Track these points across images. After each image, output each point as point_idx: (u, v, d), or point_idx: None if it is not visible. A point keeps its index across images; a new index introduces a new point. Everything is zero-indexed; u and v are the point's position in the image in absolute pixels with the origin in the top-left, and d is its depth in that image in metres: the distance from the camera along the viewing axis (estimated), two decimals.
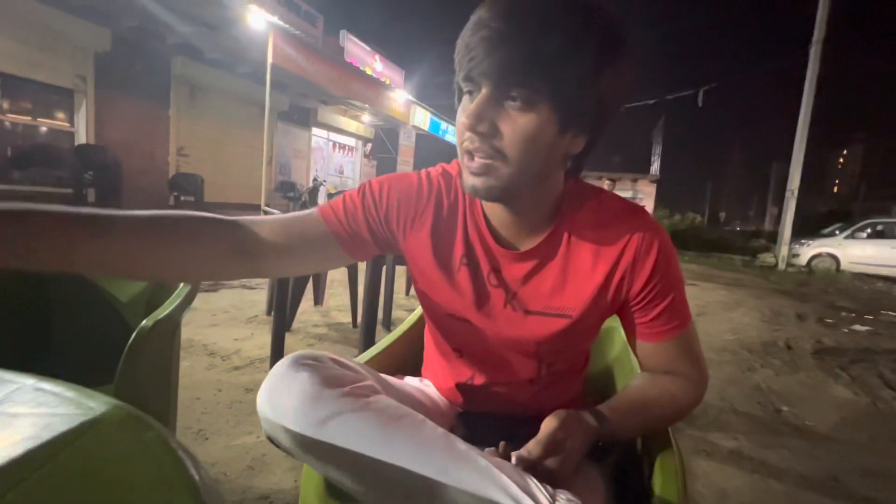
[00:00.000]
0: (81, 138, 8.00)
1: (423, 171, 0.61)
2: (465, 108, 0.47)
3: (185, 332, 2.26)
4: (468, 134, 0.46)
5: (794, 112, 9.58)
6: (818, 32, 9.17)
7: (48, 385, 0.36)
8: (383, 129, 14.93)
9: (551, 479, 0.44)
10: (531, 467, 0.44)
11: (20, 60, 7.03)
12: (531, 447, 0.45)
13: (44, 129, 7.91)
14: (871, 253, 9.10)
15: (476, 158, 0.47)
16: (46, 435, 0.29)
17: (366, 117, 13.98)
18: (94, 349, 1.02)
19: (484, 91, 0.45)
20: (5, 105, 7.29)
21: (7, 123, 7.36)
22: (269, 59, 6.16)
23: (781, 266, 9.53)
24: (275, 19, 6.72)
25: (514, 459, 0.45)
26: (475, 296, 0.57)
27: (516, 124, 0.45)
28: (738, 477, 1.41)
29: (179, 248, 0.48)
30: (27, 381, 0.37)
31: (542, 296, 0.55)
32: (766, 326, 3.73)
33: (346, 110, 13.42)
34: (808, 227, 11.67)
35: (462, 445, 0.44)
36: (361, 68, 11.40)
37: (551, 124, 0.45)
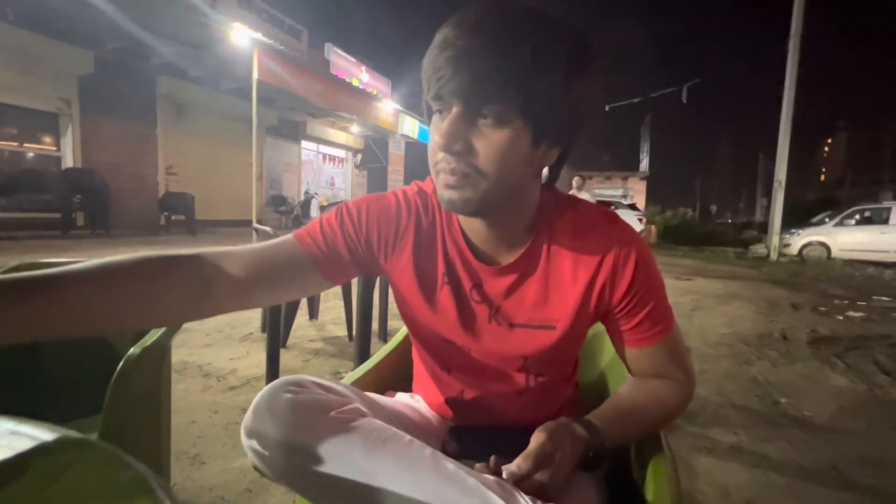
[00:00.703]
0: (68, 162, 7.96)
1: (399, 191, 0.60)
2: (437, 127, 0.47)
3: (179, 354, 2.24)
4: (442, 154, 0.47)
5: (778, 104, 9.73)
6: (795, 26, 9.34)
7: (25, 428, 0.36)
8: (372, 138, 14.97)
9: (542, 493, 0.44)
10: (521, 482, 0.44)
11: (2, 87, 6.99)
12: (520, 462, 0.45)
13: (30, 154, 7.87)
14: (861, 239, 9.22)
15: (452, 174, 0.47)
16: (20, 481, 0.29)
17: (354, 128, 14.01)
18: (81, 378, 1.01)
19: (455, 110, 0.45)
20: None
21: None
22: (255, 76, 6.17)
23: (773, 256, 9.62)
24: (259, 35, 6.74)
25: (505, 474, 0.45)
26: (459, 313, 0.57)
27: (490, 140, 0.45)
28: (739, 472, 1.41)
29: (139, 296, 0.44)
30: (5, 425, 0.36)
31: (525, 308, 0.56)
32: (762, 318, 3.76)
33: (334, 122, 13.45)
34: (797, 217, 11.80)
35: (450, 465, 0.43)
36: (348, 80, 11.45)
37: (525, 138, 0.46)
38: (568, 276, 0.54)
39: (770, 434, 1.68)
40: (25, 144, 7.80)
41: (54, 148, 8.03)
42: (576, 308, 0.54)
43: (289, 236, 0.56)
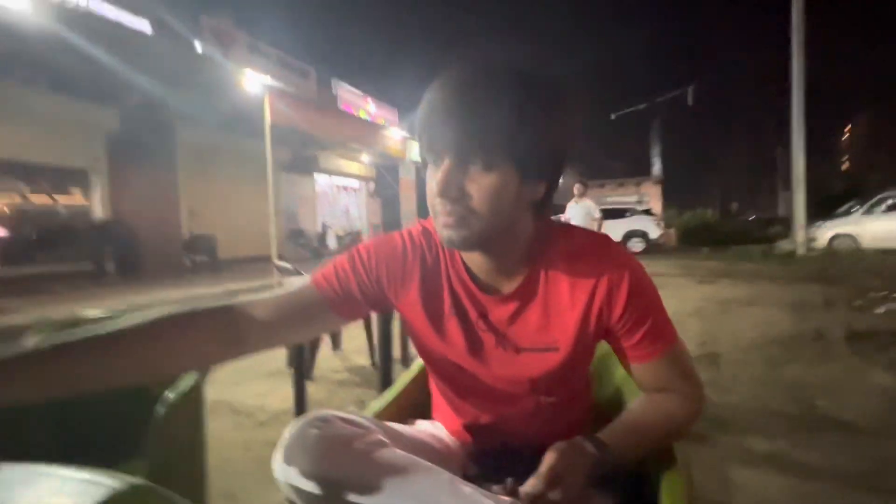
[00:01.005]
0: (98, 213, 8.36)
1: (404, 232, 0.65)
2: (433, 175, 0.52)
3: (209, 393, 2.28)
4: (439, 199, 0.51)
5: (790, 94, 9.57)
6: (796, 19, 9.29)
7: (98, 477, 0.39)
8: (383, 166, 15.28)
9: None
10: (535, 502, 0.46)
11: (37, 148, 7.46)
12: (533, 482, 0.47)
13: (63, 209, 8.31)
14: (893, 227, 8.86)
15: (449, 216, 0.52)
16: None
17: (365, 158, 14.35)
18: (122, 422, 1.06)
19: (447, 161, 0.50)
20: (26, 191, 7.72)
21: (29, 208, 7.76)
22: (268, 118, 6.44)
23: (801, 252, 9.32)
24: (268, 79, 7.05)
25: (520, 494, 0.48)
26: (467, 342, 0.60)
27: (481, 184, 0.50)
28: (777, 482, 1.37)
29: (175, 348, 0.51)
30: (79, 475, 0.40)
31: (529, 333, 0.59)
32: (793, 317, 3.64)
33: (345, 154, 13.80)
34: (823, 208, 11.43)
35: (467, 489, 0.46)
36: (355, 113, 11.79)
37: (513, 178, 0.50)
38: (566, 301, 0.57)
39: (809, 439, 1.63)
40: (58, 199, 8.26)
41: (85, 201, 8.47)
42: (576, 330, 0.57)
43: (307, 281, 0.62)
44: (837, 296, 4.46)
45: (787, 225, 13.56)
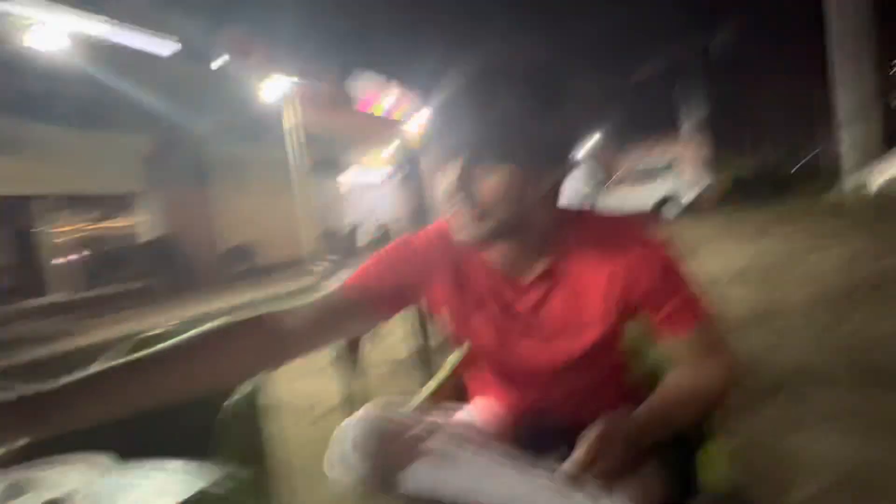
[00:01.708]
0: (145, 235, 8.87)
1: (424, 232, 0.68)
2: (445, 178, 0.55)
3: (264, 395, 2.43)
4: (452, 200, 0.54)
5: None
6: None
7: (192, 467, 0.45)
8: (407, 158, 15.34)
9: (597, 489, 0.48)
10: (576, 481, 0.48)
11: (83, 180, 7.97)
12: (573, 461, 0.49)
13: (110, 234, 8.87)
14: None
15: (464, 216, 0.54)
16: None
17: (389, 150, 14.46)
18: (185, 433, 1.13)
19: (456, 163, 0.53)
20: (75, 220, 8.27)
21: (78, 236, 8.32)
22: (290, 124, 6.58)
23: (854, 198, 8.73)
24: (286, 88, 7.18)
25: (562, 473, 0.50)
26: (498, 332, 0.63)
27: (489, 184, 0.53)
28: (837, 444, 1.32)
29: (218, 361, 0.53)
30: (174, 465, 0.46)
31: (557, 318, 0.61)
32: (848, 268, 3.44)
33: (369, 148, 13.95)
34: (875, 149, 10.62)
35: (509, 469, 0.49)
36: (375, 107, 11.84)
37: (519, 175, 0.53)
38: (590, 284, 0.59)
39: (869, 397, 1.56)
40: (106, 224, 8.81)
41: (129, 225, 9.01)
42: (602, 312, 0.58)
43: (338, 286, 0.65)
44: (894, 242, 4.17)
45: (834, 172, 12.68)
